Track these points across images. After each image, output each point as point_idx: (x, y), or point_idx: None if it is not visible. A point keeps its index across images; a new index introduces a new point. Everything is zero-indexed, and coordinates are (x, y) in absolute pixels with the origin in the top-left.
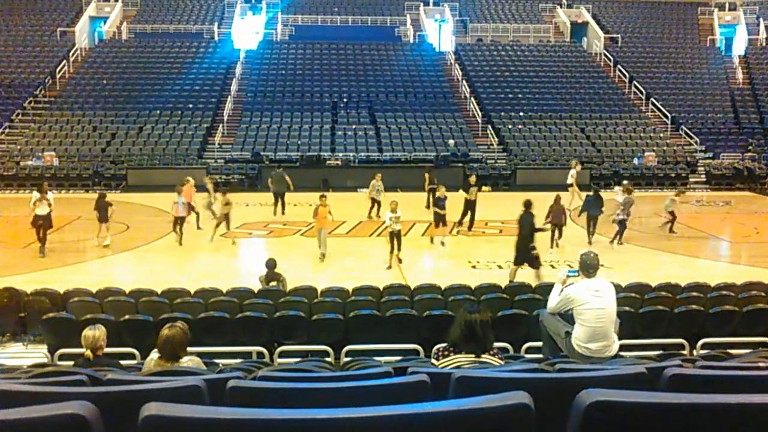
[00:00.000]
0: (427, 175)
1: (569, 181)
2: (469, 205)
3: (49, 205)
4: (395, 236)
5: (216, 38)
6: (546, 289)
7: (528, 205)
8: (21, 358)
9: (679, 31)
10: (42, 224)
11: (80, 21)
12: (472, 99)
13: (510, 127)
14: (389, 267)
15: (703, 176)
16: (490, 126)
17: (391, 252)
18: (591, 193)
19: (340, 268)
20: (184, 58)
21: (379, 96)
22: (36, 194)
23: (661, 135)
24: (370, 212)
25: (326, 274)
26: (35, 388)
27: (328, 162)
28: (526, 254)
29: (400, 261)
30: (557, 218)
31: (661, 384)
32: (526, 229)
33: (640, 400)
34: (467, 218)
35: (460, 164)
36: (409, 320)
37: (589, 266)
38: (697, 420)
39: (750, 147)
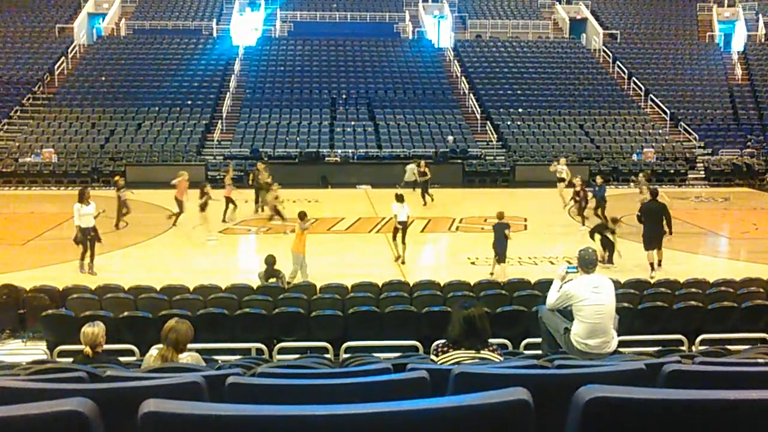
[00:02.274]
0: (422, 163)
1: (563, 176)
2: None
3: (95, 216)
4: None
5: (214, 35)
6: (545, 285)
7: (655, 193)
8: (20, 354)
9: (678, 28)
10: (92, 237)
11: (78, 17)
12: (471, 95)
13: (509, 123)
14: (396, 258)
15: (702, 172)
16: (489, 122)
17: (393, 239)
18: (601, 181)
19: (339, 264)
20: (182, 55)
21: (378, 92)
22: (78, 205)
23: (660, 131)
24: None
25: (325, 270)
26: (34, 384)
27: (327, 158)
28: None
29: (400, 261)
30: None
31: (660, 380)
32: (658, 215)
33: (638, 396)
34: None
35: (459, 161)
36: (408, 317)
37: (587, 262)
38: (696, 416)
39: (749, 143)
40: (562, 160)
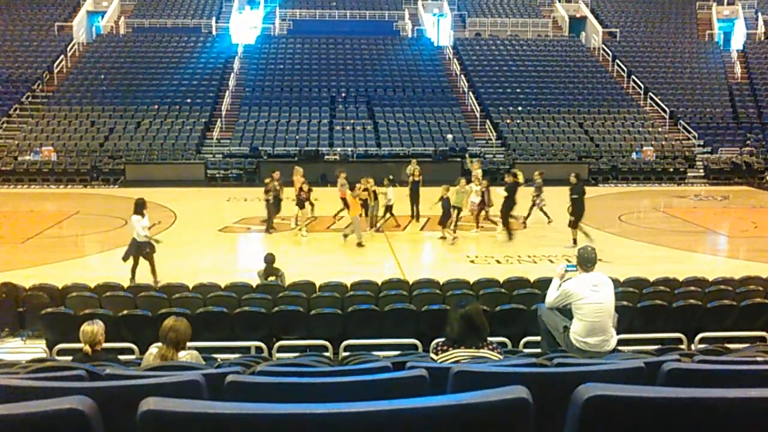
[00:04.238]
0: (414, 162)
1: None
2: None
3: (149, 228)
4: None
5: (214, 33)
6: (544, 283)
7: (579, 176)
8: (19, 353)
9: (677, 26)
10: (149, 252)
11: (78, 16)
12: (471, 93)
13: (509, 122)
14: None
15: (702, 171)
16: (488, 121)
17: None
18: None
19: (338, 262)
20: (182, 53)
21: (377, 91)
22: (137, 217)
23: (660, 129)
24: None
25: (325, 269)
26: (34, 383)
27: (326, 157)
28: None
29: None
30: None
31: (659, 378)
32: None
33: (638, 395)
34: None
35: (458, 159)
36: (407, 315)
37: (587, 260)
38: (695, 414)
39: (748, 141)
40: (476, 164)
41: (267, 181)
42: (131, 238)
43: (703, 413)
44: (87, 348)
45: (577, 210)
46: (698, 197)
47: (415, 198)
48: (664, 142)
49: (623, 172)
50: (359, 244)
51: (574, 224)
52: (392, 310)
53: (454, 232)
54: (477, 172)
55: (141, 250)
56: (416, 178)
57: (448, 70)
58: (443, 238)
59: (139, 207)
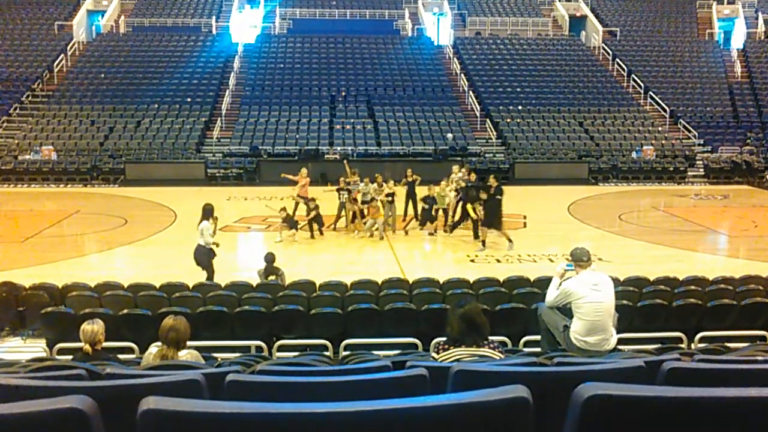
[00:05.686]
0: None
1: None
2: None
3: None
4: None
5: (214, 32)
6: (544, 282)
7: (497, 179)
8: (19, 352)
9: (677, 25)
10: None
11: (78, 15)
12: (471, 93)
13: (509, 120)
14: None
15: (702, 170)
16: (488, 120)
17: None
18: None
19: (338, 262)
20: (182, 52)
21: (378, 90)
22: (206, 223)
23: (660, 129)
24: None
25: (324, 268)
26: (34, 382)
27: (326, 156)
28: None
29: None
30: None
31: (659, 378)
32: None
33: (638, 394)
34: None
35: (459, 158)
36: (407, 314)
37: (580, 257)
38: (695, 414)
39: (748, 140)
40: (456, 168)
41: (342, 184)
42: (196, 245)
43: (703, 412)
44: (87, 347)
45: (495, 212)
46: (698, 196)
47: (412, 198)
48: (664, 141)
49: (623, 171)
50: (369, 235)
51: (488, 225)
52: (392, 309)
53: (434, 231)
54: (455, 176)
55: (211, 256)
56: (410, 179)
57: (448, 69)
58: (432, 233)
59: (208, 213)
